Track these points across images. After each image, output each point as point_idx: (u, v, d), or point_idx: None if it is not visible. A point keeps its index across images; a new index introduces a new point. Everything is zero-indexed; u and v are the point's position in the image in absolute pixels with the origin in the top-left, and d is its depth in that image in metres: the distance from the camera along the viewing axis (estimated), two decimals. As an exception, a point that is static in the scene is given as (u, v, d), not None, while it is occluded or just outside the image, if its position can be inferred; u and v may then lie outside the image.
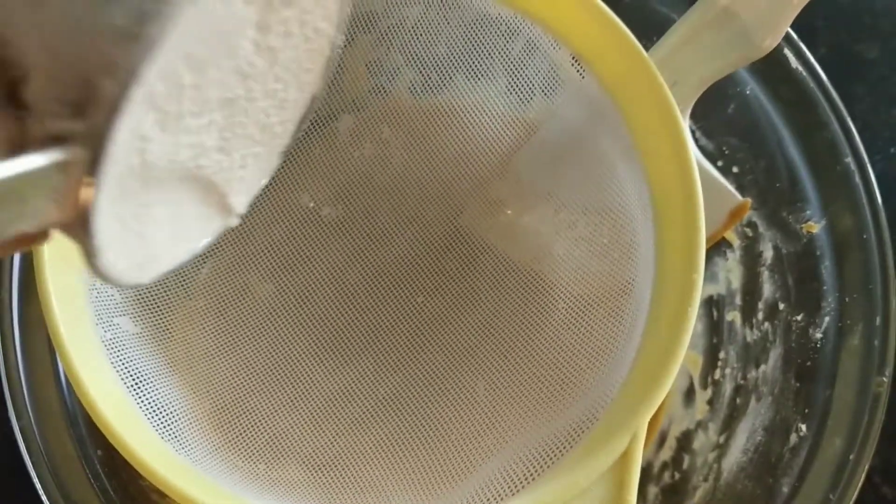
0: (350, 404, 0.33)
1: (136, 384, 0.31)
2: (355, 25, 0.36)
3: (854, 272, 0.34)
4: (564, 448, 0.30)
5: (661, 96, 0.31)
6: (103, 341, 0.30)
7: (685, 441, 0.37)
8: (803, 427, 0.33)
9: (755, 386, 0.36)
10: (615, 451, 0.28)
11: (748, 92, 0.37)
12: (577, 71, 0.34)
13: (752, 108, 0.37)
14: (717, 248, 0.38)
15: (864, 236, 0.34)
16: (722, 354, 0.38)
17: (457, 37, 0.36)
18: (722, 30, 0.32)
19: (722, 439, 0.36)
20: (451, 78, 0.38)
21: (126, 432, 0.28)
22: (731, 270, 0.38)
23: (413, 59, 0.38)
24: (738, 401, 0.36)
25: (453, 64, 0.37)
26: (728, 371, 0.37)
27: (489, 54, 0.37)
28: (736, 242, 0.38)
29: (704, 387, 0.38)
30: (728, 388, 0.37)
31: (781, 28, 0.31)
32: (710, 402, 0.37)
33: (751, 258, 0.37)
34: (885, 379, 0.31)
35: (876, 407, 0.31)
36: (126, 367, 0.31)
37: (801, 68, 0.36)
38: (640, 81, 0.32)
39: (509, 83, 0.37)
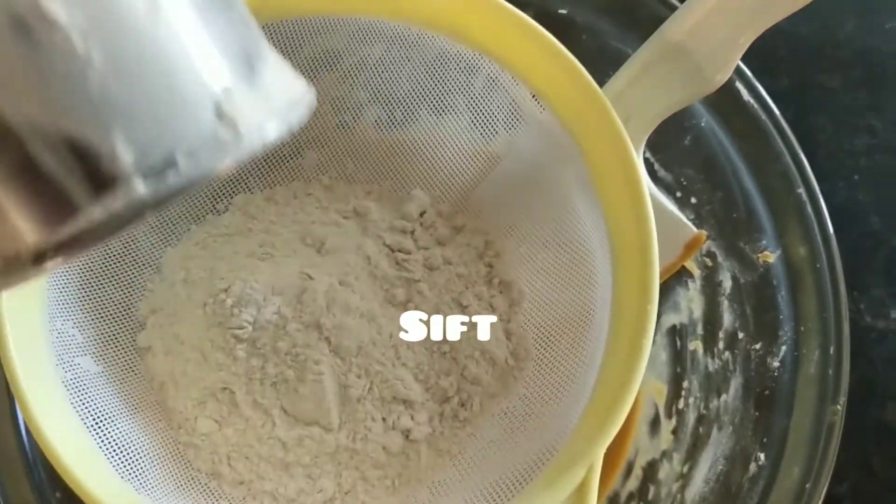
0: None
1: (97, 424, 0.31)
2: (319, 64, 0.37)
3: (808, 301, 0.34)
4: (524, 480, 0.30)
5: (615, 133, 0.32)
6: (63, 382, 0.31)
7: (651, 471, 0.37)
8: (762, 456, 0.33)
9: (717, 415, 0.36)
10: (572, 483, 0.29)
11: (703, 124, 0.37)
12: (537, 106, 0.35)
13: (708, 140, 0.37)
14: (678, 277, 0.38)
15: (818, 265, 0.34)
16: (685, 384, 0.38)
17: (419, 73, 0.37)
18: (673, 65, 0.32)
19: (685, 469, 0.36)
20: (415, 113, 0.38)
21: (84, 473, 0.28)
22: (693, 300, 0.38)
23: (377, 95, 0.38)
24: (700, 430, 0.36)
25: (417, 100, 0.38)
26: (691, 400, 0.37)
27: (452, 90, 0.37)
28: (696, 272, 0.38)
29: (669, 416, 0.38)
30: (691, 418, 0.37)
31: (731, 63, 0.32)
32: (675, 432, 0.37)
33: (711, 288, 0.38)
34: (839, 408, 0.32)
35: (830, 436, 0.32)
36: (87, 407, 0.31)
37: (752, 101, 0.36)
38: (595, 118, 0.32)
39: (473, 118, 0.38)
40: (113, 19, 0.14)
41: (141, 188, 0.14)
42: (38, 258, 0.14)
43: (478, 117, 0.37)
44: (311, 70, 0.37)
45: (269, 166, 0.38)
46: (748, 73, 0.37)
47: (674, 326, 0.39)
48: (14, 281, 0.15)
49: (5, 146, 0.14)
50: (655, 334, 0.40)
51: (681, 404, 0.38)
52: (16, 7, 0.13)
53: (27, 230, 0.14)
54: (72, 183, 0.14)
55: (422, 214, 0.37)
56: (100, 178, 0.14)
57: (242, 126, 0.15)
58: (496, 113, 0.37)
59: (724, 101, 0.36)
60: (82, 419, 0.30)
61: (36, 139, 0.14)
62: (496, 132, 0.37)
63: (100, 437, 0.31)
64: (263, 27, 0.35)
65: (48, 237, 0.14)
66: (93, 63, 0.14)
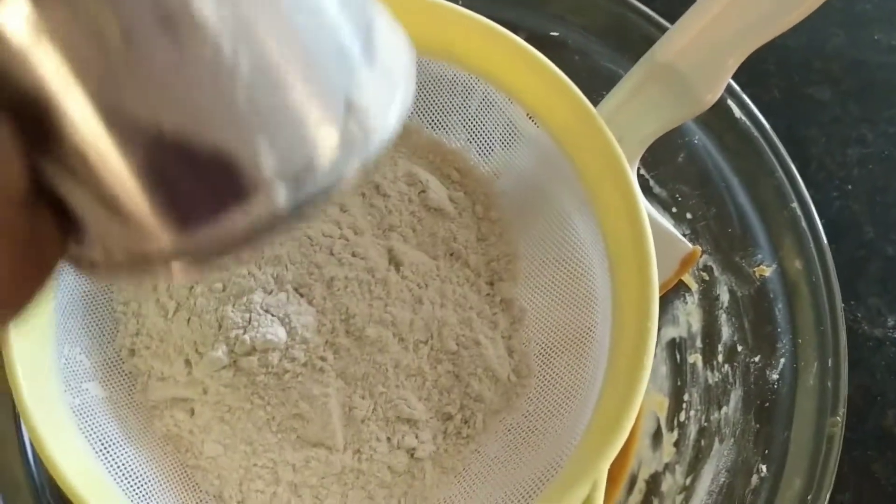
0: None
1: (105, 449, 0.31)
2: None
3: (805, 314, 0.35)
4: (529, 497, 0.31)
5: (610, 152, 0.32)
6: (72, 408, 0.31)
7: (654, 484, 0.38)
8: (763, 468, 0.33)
9: (718, 428, 0.36)
10: (577, 499, 0.29)
11: (696, 141, 0.38)
12: (533, 125, 0.36)
13: (701, 156, 0.38)
14: (677, 291, 0.39)
15: (813, 279, 0.35)
16: (686, 397, 0.38)
17: (415, 95, 0.38)
18: (664, 86, 0.33)
19: (688, 481, 0.36)
20: (411, 133, 0.39)
21: (94, 498, 0.29)
22: (691, 314, 0.39)
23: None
24: (702, 443, 0.37)
25: (415, 119, 0.38)
26: (692, 413, 0.38)
27: (448, 110, 0.38)
28: (694, 286, 0.39)
29: (671, 429, 0.38)
30: (693, 430, 0.37)
31: (721, 83, 0.33)
32: (677, 444, 0.38)
33: (708, 301, 0.38)
34: (838, 419, 0.32)
35: (831, 448, 0.32)
36: (95, 433, 0.31)
37: (744, 118, 0.37)
38: (590, 137, 0.33)
39: (469, 137, 0.38)
40: (260, 20, 0.13)
41: (282, 195, 0.14)
42: (167, 259, 0.14)
43: (474, 136, 0.38)
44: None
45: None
46: (739, 90, 0.37)
47: (673, 340, 0.40)
48: (133, 278, 0.15)
49: (150, 150, 0.13)
50: (655, 348, 0.40)
51: (682, 417, 0.38)
52: (166, 6, 0.13)
53: (162, 230, 0.14)
54: (214, 189, 0.14)
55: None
56: (243, 184, 0.14)
57: (371, 121, 0.15)
58: (492, 132, 0.37)
59: (716, 118, 0.37)
60: (91, 444, 0.31)
61: (183, 145, 0.13)
62: (492, 150, 0.38)
63: (108, 462, 0.31)
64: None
65: (183, 240, 0.14)
66: (240, 70, 0.13)
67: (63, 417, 0.30)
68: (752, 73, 0.47)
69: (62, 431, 0.30)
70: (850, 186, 0.50)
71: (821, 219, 0.46)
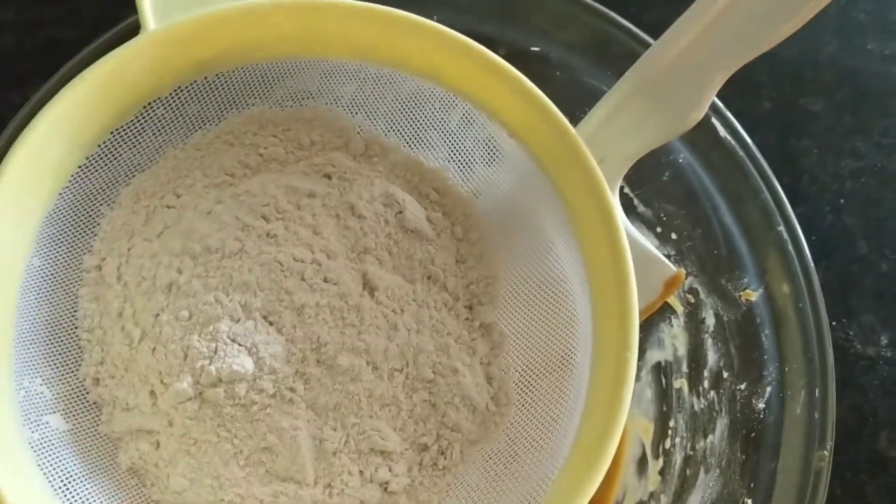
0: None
1: (66, 485, 0.30)
2: (291, 105, 0.36)
3: (793, 341, 0.34)
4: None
5: (590, 174, 0.31)
6: (30, 443, 0.30)
7: (638, 513, 0.37)
8: (749, 502, 0.32)
9: (703, 457, 0.35)
10: (554, 539, 0.28)
11: (681, 160, 0.37)
12: (514, 144, 0.34)
13: (687, 175, 0.37)
14: (662, 314, 0.38)
15: (800, 305, 0.33)
16: (672, 423, 0.37)
17: (394, 111, 0.37)
18: (647, 104, 0.32)
19: (673, 512, 0.35)
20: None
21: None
22: (677, 337, 0.38)
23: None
24: (687, 472, 0.35)
25: (393, 136, 0.37)
26: (678, 440, 0.37)
27: (427, 126, 0.37)
28: (680, 308, 0.38)
29: (656, 456, 0.37)
30: (678, 459, 0.36)
31: (705, 101, 0.31)
32: (662, 473, 0.37)
33: (694, 325, 0.37)
34: (825, 453, 0.31)
35: (818, 482, 0.31)
36: (55, 469, 0.30)
37: (729, 137, 0.36)
38: (570, 158, 0.32)
39: (448, 155, 0.37)
40: None
41: None
42: None
43: (454, 153, 0.37)
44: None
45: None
46: (724, 108, 0.36)
47: (659, 363, 0.38)
48: None
49: None
50: (640, 371, 0.39)
51: (668, 444, 0.37)
52: None
53: None
54: None
55: (399, 256, 0.37)
56: None
57: None
58: (472, 149, 0.36)
59: (701, 137, 0.36)
60: (50, 481, 0.30)
61: None
62: (473, 168, 0.37)
63: (68, 500, 0.30)
64: (235, 72, 0.34)
65: None
66: None
67: (19, 454, 0.29)
68: (744, 83, 0.46)
69: (17, 469, 0.28)
70: (843, 200, 0.48)
71: (813, 233, 0.45)
